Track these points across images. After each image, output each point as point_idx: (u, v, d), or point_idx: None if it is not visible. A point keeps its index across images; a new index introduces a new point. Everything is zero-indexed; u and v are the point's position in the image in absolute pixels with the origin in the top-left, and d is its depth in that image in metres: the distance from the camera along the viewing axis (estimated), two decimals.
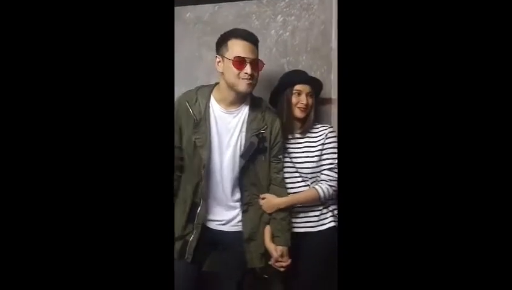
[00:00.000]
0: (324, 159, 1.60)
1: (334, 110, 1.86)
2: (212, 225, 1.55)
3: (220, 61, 1.49)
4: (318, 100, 1.73)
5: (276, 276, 1.69)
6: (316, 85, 1.68)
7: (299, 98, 1.61)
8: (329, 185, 1.57)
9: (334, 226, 1.61)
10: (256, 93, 1.57)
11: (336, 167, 1.58)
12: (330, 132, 1.62)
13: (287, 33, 1.88)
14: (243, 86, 1.44)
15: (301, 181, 1.61)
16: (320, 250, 1.59)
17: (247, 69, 1.43)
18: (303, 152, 1.62)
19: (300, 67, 1.81)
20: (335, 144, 1.60)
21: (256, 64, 1.47)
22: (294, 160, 1.61)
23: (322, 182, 1.59)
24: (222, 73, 1.48)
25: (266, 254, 1.53)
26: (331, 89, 1.85)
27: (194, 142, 1.49)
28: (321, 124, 1.69)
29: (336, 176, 1.58)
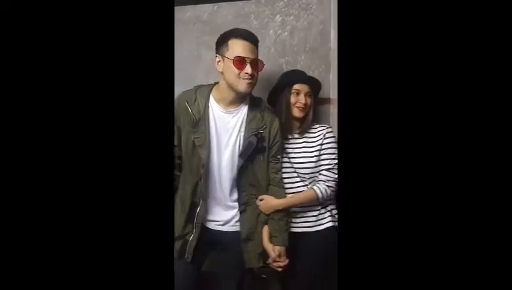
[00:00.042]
0: (322, 160, 1.60)
1: (332, 110, 1.86)
2: (211, 225, 1.55)
3: (219, 61, 1.49)
4: (317, 100, 1.73)
5: (275, 276, 1.69)
6: (314, 85, 1.68)
7: (298, 98, 1.61)
8: (327, 186, 1.57)
9: (332, 226, 1.61)
10: (254, 93, 1.57)
11: (334, 167, 1.58)
12: (328, 132, 1.62)
13: (286, 33, 1.88)
14: (242, 86, 1.45)
15: (299, 181, 1.61)
16: (318, 250, 1.59)
17: (248, 69, 1.43)
18: (301, 152, 1.62)
19: (298, 67, 1.82)
20: (333, 144, 1.61)
21: (256, 64, 1.47)
22: (293, 160, 1.61)
23: (320, 182, 1.59)
24: (222, 73, 1.48)
25: (264, 254, 1.53)
26: (330, 89, 1.86)
27: (193, 141, 1.49)
28: (319, 124, 1.69)
29: (334, 176, 1.58)
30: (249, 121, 1.51)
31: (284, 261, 1.51)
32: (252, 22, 1.89)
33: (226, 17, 1.92)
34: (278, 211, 1.53)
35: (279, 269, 1.53)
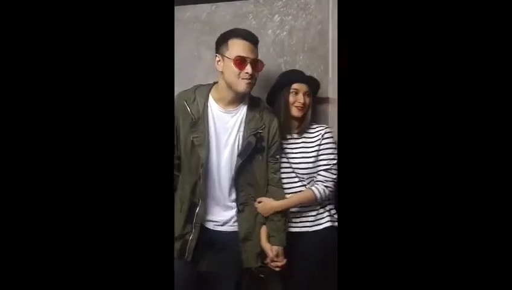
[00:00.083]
0: (320, 160, 1.60)
1: (331, 110, 1.86)
2: (210, 225, 1.55)
3: (219, 61, 1.49)
4: (315, 100, 1.73)
5: (274, 276, 1.70)
6: (313, 84, 1.68)
7: (297, 97, 1.61)
8: (326, 186, 1.57)
9: (331, 226, 1.61)
10: (253, 93, 1.57)
11: (332, 167, 1.58)
12: (327, 132, 1.62)
13: (284, 33, 1.88)
14: (242, 85, 1.45)
15: (298, 181, 1.61)
16: (317, 250, 1.59)
17: (248, 68, 1.43)
18: (299, 152, 1.62)
19: (297, 67, 1.82)
20: (331, 145, 1.61)
21: (256, 64, 1.47)
22: (291, 160, 1.61)
23: (318, 183, 1.59)
24: (222, 72, 1.48)
25: (262, 254, 1.54)
26: (328, 89, 1.85)
27: (192, 141, 1.49)
28: (318, 124, 1.69)
29: (333, 176, 1.58)
30: (248, 120, 1.51)
31: (281, 261, 1.51)
32: (250, 21, 1.89)
33: (224, 17, 1.91)
34: (276, 212, 1.53)
35: (277, 269, 1.53)
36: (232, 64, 1.43)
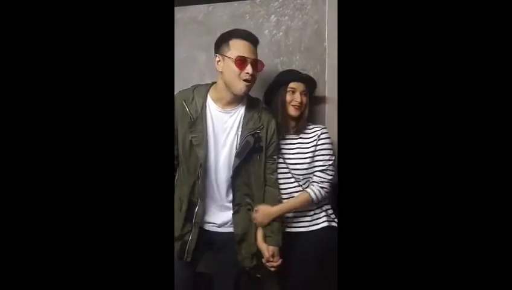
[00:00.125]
0: (316, 161, 1.60)
1: (328, 110, 1.87)
2: (208, 227, 1.56)
3: (219, 61, 1.49)
4: (312, 99, 1.73)
5: (272, 276, 1.70)
6: (310, 83, 1.69)
7: (294, 96, 1.61)
8: (321, 187, 1.57)
9: (327, 225, 1.61)
10: (250, 93, 1.56)
11: (328, 168, 1.59)
12: (323, 133, 1.62)
13: (281, 33, 1.89)
14: (241, 86, 1.45)
15: (294, 182, 1.61)
16: (314, 250, 1.59)
17: (249, 69, 1.44)
18: (296, 153, 1.62)
19: (294, 67, 1.82)
20: (328, 145, 1.61)
21: (256, 64, 1.48)
22: (288, 161, 1.61)
23: (313, 183, 1.59)
24: (221, 72, 1.49)
25: (258, 254, 1.53)
26: (325, 89, 1.86)
27: (190, 141, 1.49)
28: (314, 124, 1.69)
29: (328, 177, 1.58)
30: (246, 121, 1.51)
31: (277, 261, 1.52)
32: (247, 22, 1.89)
33: (221, 17, 1.92)
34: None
35: (273, 269, 1.53)
36: (234, 64, 1.43)
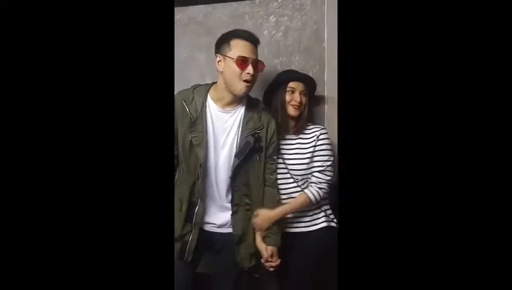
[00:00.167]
0: (315, 161, 1.60)
1: (327, 110, 1.87)
2: (207, 227, 1.56)
3: (220, 61, 1.49)
4: (311, 100, 1.73)
5: (271, 276, 1.70)
6: (309, 83, 1.69)
7: (293, 96, 1.61)
8: (319, 188, 1.57)
9: (326, 226, 1.61)
10: (249, 93, 1.57)
11: (327, 169, 1.58)
12: (322, 134, 1.62)
13: (280, 33, 1.89)
14: (241, 87, 1.45)
15: (293, 182, 1.61)
16: (313, 250, 1.60)
17: (249, 69, 1.44)
18: (295, 153, 1.62)
19: (293, 68, 1.82)
20: (326, 146, 1.61)
21: (256, 64, 1.48)
22: (286, 161, 1.61)
23: (312, 184, 1.59)
24: (222, 72, 1.49)
25: (256, 254, 1.54)
26: (325, 89, 1.86)
27: (190, 140, 1.49)
28: (314, 124, 1.69)
29: (326, 178, 1.58)
30: (246, 121, 1.51)
31: (276, 261, 1.51)
32: (246, 22, 1.89)
33: (220, 18, 1.92)
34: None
35: (272, 269, 1.53)
36: (235, 64, 1.44)
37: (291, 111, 1.61)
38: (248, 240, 1.53)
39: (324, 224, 1.61)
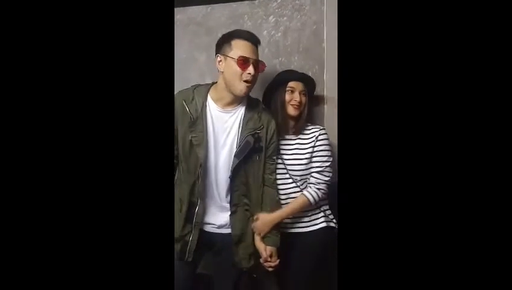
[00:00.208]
0: (314, 162, 1.60)
1: (327, 110, 1.87)
2: (207, 228, 1.56)
3: (221, 61, 1.49)
4: (311, 100, 1.73)
5: (270, 276, 1.70)
6: (309, 83, 1.68)
7: (293, 96, 1.61)
8: (318, 189, 1.57)
9: (326, 226, 1.61)
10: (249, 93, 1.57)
11: (325, 169, 1.58)
12: (321, 134, 1.61)
13: (279, 34, 1.89)
14: (241, 87, 1.45)
15: (292, 182, 1.61)
16: (312, 250, 1.60)
17: (250, 69, 1.44)
18: (294, 153, 1.62)
19: (292, 68, 1.82)
20: (325, 147, 1.61)
21: (257, 65, 1.48)
22: (286, 161, 1.61)
23: (310, 185, 1.59)
24: (222, 72, 1.49)
25: (255, 254, 1.54)
26: (324, 90, 1.86)
27: (190, 140, 1.49)
28: (313, 124, 1.69)
29: (325, 179, 1.58)
30: (247, 121, 1.51)
31: (275, 262, 1.52)
32: (245, 23, 1.90)
33: (219, 18, 1.92)
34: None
35: (270, 269, 1.53)
36: (236, 64, 1.44)
37: (291, 111, 1.61)
38: (247, 241, 1.53)
39: (323, 224, 1.61)
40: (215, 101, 1.52)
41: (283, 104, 1.61)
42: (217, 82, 1.55)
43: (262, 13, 1.90)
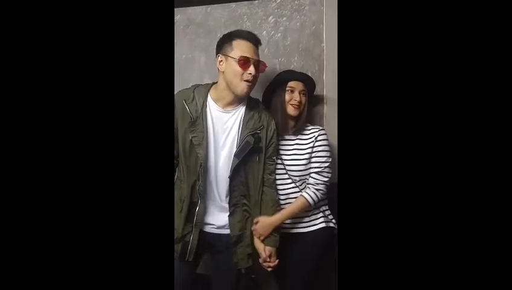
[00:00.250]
0: (313, 162, 1.60)
1: (326, 110, 1.87)
2: (207, 228, 1.56)
3: (222, 61, 1.50)
4: (310, 100, 1.73)
5: (269, 276, 1.70)
6: (308, 83, 1.68)
7: (292, 95, 1.61)
8: (316, 189, 1.57)
9: (325, 226, 1.61)
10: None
11: (324, 170, 1.58)
12: (320, 135, 1.61)
13: (279, 34, 1.89)
14: (242, 88, 1.46)
15: (291, 183, 1.61)
16: (311, 250, 1.60)
17: (251, 69, 1.45)
18: (293, 154, 1.62)
19: (292, 68, 1.83)
20: (324, 147, 1.61)
21: (258, 65, 1.49)
22: (285, 162, 1.61)
23: (309, 186, 1.59)
24: (223, 72, 1.49)
25: (253, 255, 1.54)
26: (324, 90, 1.86)
27: (191, 140, 1.49)
28: (313, 125, 1.69)
29: (324, 179, 1.58)
30: (247, 121, 1.51)
31: (274, 262, 1.52)
32: (245, 23, 1.90)
33: (219, 19, 1.92)
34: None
35: (270, 269, 1.53)
36: (237, 64, 1.44)
37: (291, 111, 1.61)
38: (245, 241, 1.53)
39: (323, 224, 1.61)
40: (216, 101, 1.52)
41: (283, 104, 1.60)
42: (217, 82, 1.55)
43: (261, 14, 1.90)
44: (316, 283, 1.63)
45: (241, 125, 1.51)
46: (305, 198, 1.56)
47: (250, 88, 1.48)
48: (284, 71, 1.75)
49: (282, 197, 1.60)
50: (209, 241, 1.56)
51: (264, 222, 1.52)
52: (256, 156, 1.52)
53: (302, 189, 1.60)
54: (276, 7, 1.89)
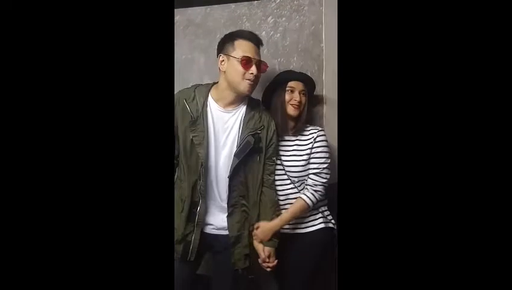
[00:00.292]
0: (311, 163, 1.60)
1: (325, 110, 1.87)
2: (207, 229, 1.56)
3: (223, 61, 1.50)
4: (310, 100, 1.73)
5: (268, 277, 1.70)
6: (308, 83, 1.68)
7: (292, 95, 1.61)
8: (315, 190, 1.57)
9: (324, 227, 1.61)
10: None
11: (322, 171, 1.58)
12: (319, 135, 1.61)
13: (278, 34, 1.89)
14: (244, 86, 1.46)
15: (290, 183, 1.61)
16: (310, 251, 1.60)
17: (253, 69, 1.45)
18: (292, 155, 1.62)
19: (291, 68, 1.83)
20: (323, 148, 1.60)
21: (259, 65, 1.49)
22: (284, 162, 1.61)
23: (307, 187, 1.58)
24: (224, 72, 1.50)
25: (251, 255, 1.54)
26: (323, 90, 1.86)
27: (191, 140, 1.49)
28: (312, 125, 1.69)
29: (322, 180, 1.58)
30: (247, 121, 1.51)
31: (273, 262, 1.52)
32: (244, 24, 1.90)
33: (218, 19, 1.92)
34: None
35: (269, 269, 1.54)
36: (239, 64, 1.45)
37: (291, 111, 1.60)
38: (243, 242, 1.53)
39: (322, 225, 1.61)
40: (216, 100, 1.52)
41: (283, 104, 1.60)
42: (217, 82, 1.55)
43: (261, 14, 1.90)
44: (315, 284, 1.63)
45: (241, 125, 1.51)
46: (303, 200, 1.55)
47: (253, 86, 1.48)
48: (284, 71, 1.75)
49: (281, 197, 1.60)
50: (210, 242, 1.56)
51: (265, 227, 1.52)
52: (256, 156, 1.52)
53: (301, 190, 1.60)
54: (275, 7, 1.89)
